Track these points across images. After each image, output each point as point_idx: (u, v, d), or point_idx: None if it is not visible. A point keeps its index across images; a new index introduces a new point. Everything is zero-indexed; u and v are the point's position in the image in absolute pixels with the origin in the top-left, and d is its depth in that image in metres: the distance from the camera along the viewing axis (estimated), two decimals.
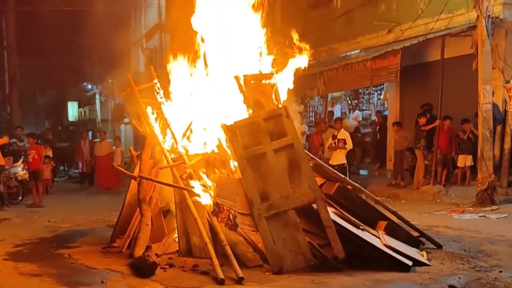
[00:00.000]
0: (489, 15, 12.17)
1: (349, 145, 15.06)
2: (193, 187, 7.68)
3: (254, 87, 7.82)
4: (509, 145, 13.14)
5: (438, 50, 14.49)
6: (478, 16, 12.16)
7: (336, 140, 15.13)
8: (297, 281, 6.43)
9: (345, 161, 15.07)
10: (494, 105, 12.77)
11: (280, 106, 7.71)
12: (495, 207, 11.86)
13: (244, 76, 7.79)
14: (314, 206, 7.09)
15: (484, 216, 11.08)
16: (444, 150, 14.54)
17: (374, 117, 19.55)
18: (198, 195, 7.60)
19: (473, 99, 12.62)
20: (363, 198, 8.57)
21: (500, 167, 13.10)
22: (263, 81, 7.90)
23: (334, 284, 6.26)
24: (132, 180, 8.79)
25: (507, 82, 13.21)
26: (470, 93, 12.92)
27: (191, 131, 8.72)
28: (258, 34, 8.54)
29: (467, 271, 6.81)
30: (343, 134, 15.30)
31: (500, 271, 6.72)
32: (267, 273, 6.76)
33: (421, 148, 14.98)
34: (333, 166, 14.78)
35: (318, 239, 7.26)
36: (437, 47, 14.68)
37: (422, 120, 14.93)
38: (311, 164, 7.73)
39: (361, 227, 7.43)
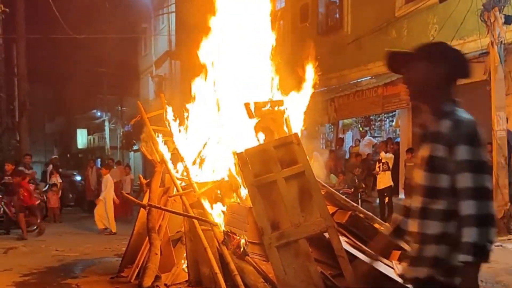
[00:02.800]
0: (501, 42, 12.08)
1: (391, 164, 15.07)
2: (204, 215, 7.56)
3: (265, 114, 7.73)
4: None
5: None
6: (490, 43, 12.08)
7: (381, 163, 15.09)
8: None
9: (392, 183, 15.10)
10: (509, 132, 12.60)
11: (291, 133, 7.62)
12: None
13: (254, 103, 7.72)
14: (326, 235, 6.94)
15: (501, 246, 10.85)
16: None
17: None
18: (208, 224, 7.46)
19: (487, 126, 12.46)
20: (376, 227, 8.40)
21: None
22: (273, 108, 7.82)
23: None
24: (141, 209, 8.67)
25: None
26: (483, 119, 12.76)
27: (201, 159, 8.62)
28: (269, 61, 8.49)
29: None
30: (387, 156, 15.28)
31: None
32: None
33: None
34: (382, 190, 14.83)
35: (330, 269, 7.12)
36: None
37: None
38: (322, 192, 7.60)
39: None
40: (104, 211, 15.25)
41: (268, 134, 7.58)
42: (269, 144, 7.18)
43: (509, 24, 12.38)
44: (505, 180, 12.08)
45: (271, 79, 8.42)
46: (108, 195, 15.47)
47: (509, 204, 12.02)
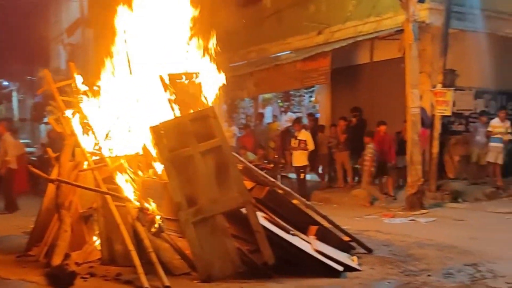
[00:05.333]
0: (415, 19, 12.25)
1: (311, 145, 15.03)
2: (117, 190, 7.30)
3: (180, 87, 7.51)
4: (437, 150, 13.32)
5: (368, 53, 14.59)
6: (405, 20, 12.24)
7: (297, 141, 15.04)
8: None
9: (307, 162, 15.14)
10: (422, 109, 12.88)
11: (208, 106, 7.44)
12: (425, 211, 12.01)
13: (169, 75, 7.47)
14: (244, 210, 6.87)
15: (414, 220, 11.21)
16: (382, 158, 13.81)
17: (305, 120, 19.48)
18: (122, 200, 7.21)
19: (402, 102, 12.68)
20: (294, 202, 8.39)
21: (429, 171, 13.25)
22: (189, 81, 7.60)
23: None
24: (50, 184, 8.25)
25: (434, 86, 13.39)
26: (399, 96, 12.99)
27: (114, 132, 8.28)
28: (185, 32, 8.23)
29: (397, 275, 6.87)
30: (304, 134, 15.27)
31: (429, 275, 6.83)
32: (195, 281, 6.57)
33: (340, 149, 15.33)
34: (297, 168, 14.80)
35: (248, 245, 7.11)
36: (366, 50, 14.78)
37: (341, 123, 15.34)
38: (240, 168, 7.51)
39: (291, 232, 7.29)
40: None
41: (184, 108, 7.36)
42: (185, 118, 7.04)
43: (423, 3, 12.65)
44: (418, 156, 12.33)
45: (187, 50, 8.16)
46: None
47: (422, 179, 12.34)
